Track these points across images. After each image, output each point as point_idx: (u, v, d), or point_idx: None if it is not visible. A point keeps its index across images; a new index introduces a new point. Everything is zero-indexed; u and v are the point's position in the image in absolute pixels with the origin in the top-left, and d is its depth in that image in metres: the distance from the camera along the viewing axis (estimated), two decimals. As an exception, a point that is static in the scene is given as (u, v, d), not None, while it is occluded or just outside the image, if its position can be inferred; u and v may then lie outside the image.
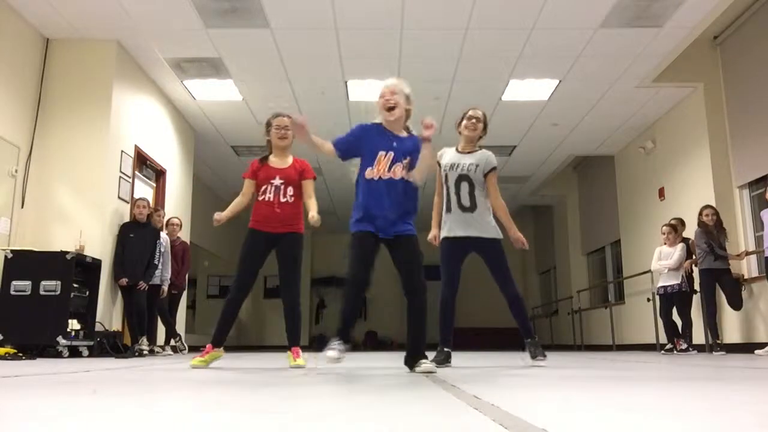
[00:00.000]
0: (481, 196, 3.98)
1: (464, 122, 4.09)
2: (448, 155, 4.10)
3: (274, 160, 4.07)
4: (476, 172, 3.98)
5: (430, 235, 4.11)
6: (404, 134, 3.35)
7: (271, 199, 3.95)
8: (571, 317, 11.97)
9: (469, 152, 4.08)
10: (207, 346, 3.91)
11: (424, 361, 3.14)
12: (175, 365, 4.23)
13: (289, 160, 4.10)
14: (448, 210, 4.01)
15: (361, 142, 3.29)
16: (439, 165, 4.06)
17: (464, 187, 3.97)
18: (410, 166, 3.25)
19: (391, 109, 3.26)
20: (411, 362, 3.20)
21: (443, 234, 4.03)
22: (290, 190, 3.98)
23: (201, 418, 1.37)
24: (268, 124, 4.10)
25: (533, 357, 3.92)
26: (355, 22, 6.36)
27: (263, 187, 4.00)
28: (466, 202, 3.96)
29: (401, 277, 3.24)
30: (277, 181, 3.97)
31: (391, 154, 3.23)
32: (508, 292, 3.94)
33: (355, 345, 14.67)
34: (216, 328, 3.94)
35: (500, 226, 4.01)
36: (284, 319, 3.99)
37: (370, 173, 3.22)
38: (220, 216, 3.95)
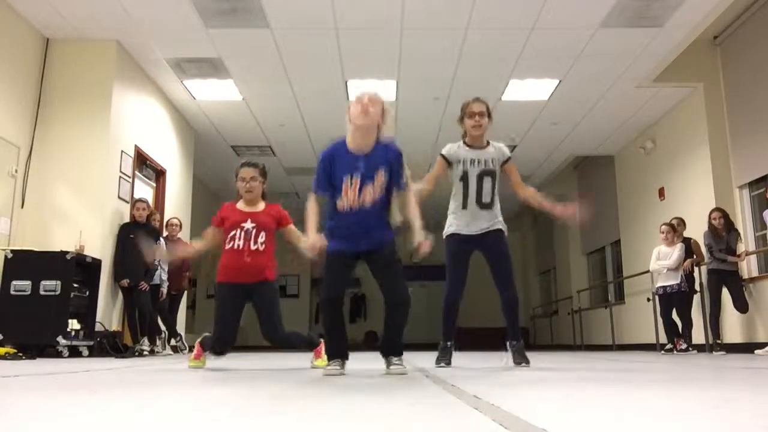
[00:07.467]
0: (497, 190, 3.84)
1: (468, 121, 3.82)
2: (462, 151, 3.84)
3: (243, 205, 3.80)
4: (496, 166, 3.82)
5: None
6: (370, 147, 2.99)
7: (241, 247, 3.64)
8: (571, 317, 11.96)
9: (483, 147, 3.85)
10: (197, 347, 3.81)
11: (396, 361, 3.05)
12: (175, 365, 4.23)
13: (261, 205, 3.81)
14: (463, 206, 3.79)
15: (332, 169, 2.99)
16: (446, 160, 3.83)
17: (487, 182, 3.79)
18: (389, 177, 3.00)
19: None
20: (385, 355, 3.13)
21: (451, 230, 3.83)
22: (262, 236, 3.67)
23: (201, 418, 1.37)
24: (236, 173, 3.78)
25: (516, 363, 3.72)
26: (355, 22, 6.36)
27: (231, 233, 3.66)
28: (487, 198, 3.79)
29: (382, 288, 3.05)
30: (249, 225, 3.67)
31: (357, 177, 2.95)
32: (508, 293, 3.76)
33: (354, 345, 14.75)
34: (211, 343, 3.78)
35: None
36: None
37: (341, 204, 2.97)
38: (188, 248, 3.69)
